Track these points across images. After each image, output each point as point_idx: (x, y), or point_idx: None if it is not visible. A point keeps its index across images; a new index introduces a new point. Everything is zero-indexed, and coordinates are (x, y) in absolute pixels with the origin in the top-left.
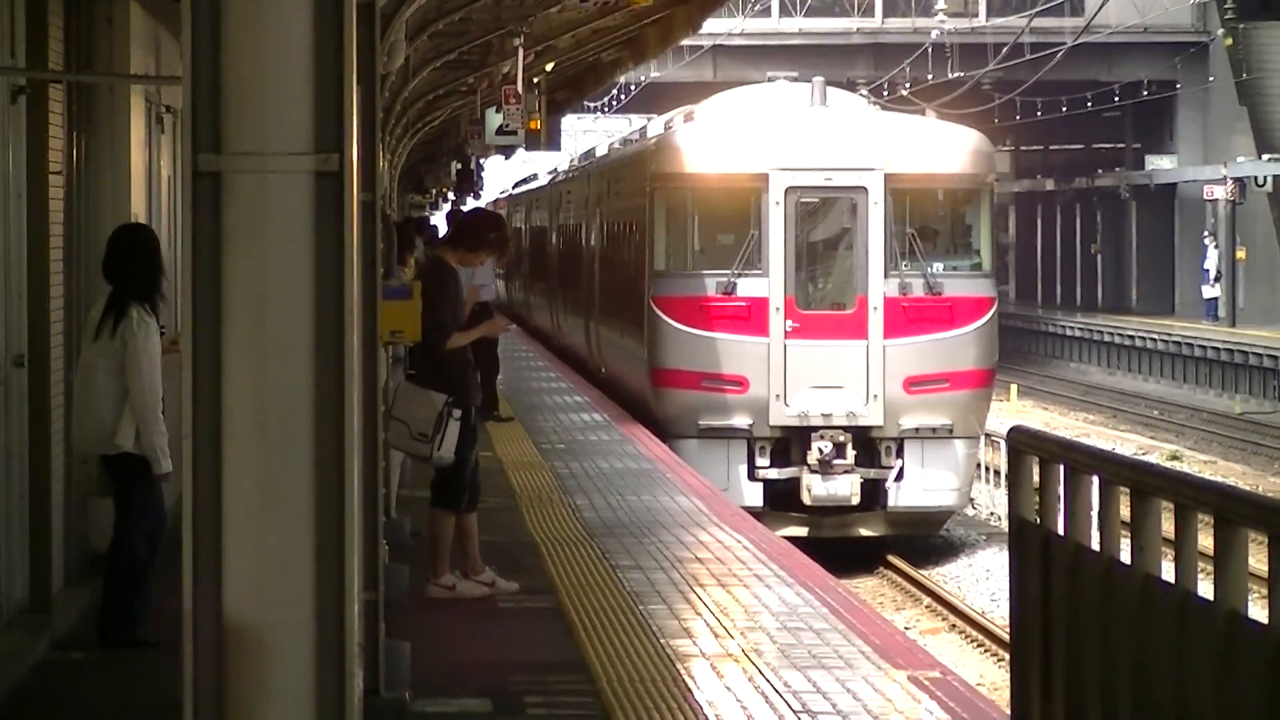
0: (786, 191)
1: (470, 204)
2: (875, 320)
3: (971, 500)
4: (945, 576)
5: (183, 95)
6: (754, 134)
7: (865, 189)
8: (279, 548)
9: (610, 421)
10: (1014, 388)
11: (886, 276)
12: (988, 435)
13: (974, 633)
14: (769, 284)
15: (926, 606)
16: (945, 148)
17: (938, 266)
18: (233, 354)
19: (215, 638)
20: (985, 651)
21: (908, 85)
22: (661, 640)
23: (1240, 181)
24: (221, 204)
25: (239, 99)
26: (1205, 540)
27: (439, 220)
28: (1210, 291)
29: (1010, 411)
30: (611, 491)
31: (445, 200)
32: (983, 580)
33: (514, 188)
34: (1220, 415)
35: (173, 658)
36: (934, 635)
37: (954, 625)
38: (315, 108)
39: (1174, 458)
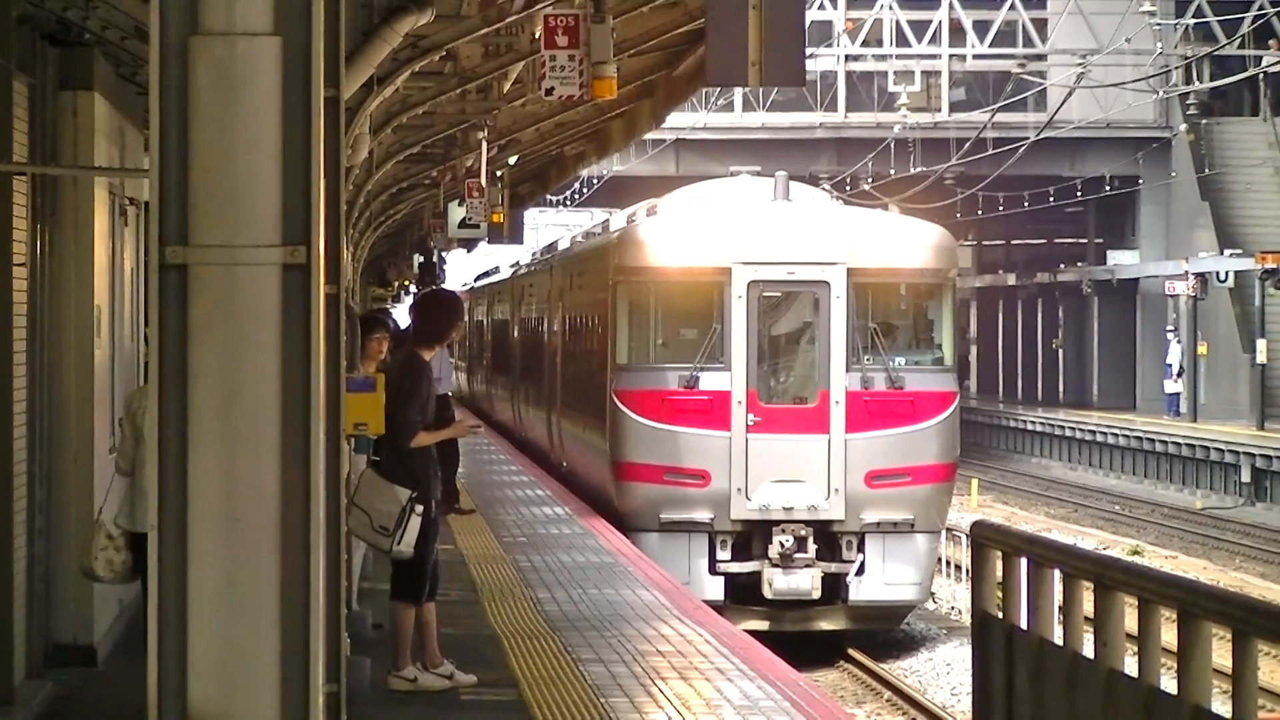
0: (749, 285)
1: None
2: (837, 414)
3: (932, 594)
4: (906, 670)
5: (149, 187)
6: (717, 228)
7: (828, 283)
8: (244, 639)
9: (572, 515)
10: (974, 482)
11: (849, 370)
12: (948, 530)
13: None
14: (731, 378)
15: (887, 700)
16: (907, 242)
17: (900, 361)
18: (199, 445)
19: None
20: None
21: (870, 180)
22: None
23: (1202, 276)
24: (188, 296)
25: (206, 191)
26: (1168, 635)
27: (401, 314)
28: (1172, 387)
29: (971, 506)
30: (573, 584)
31: (407, 293)
32: (943, 674)
33: (476, 280)
34: (1181, 510)
35: None
36: None
37: (914, 719)
38: (283, 200)
39: (1135, 553)
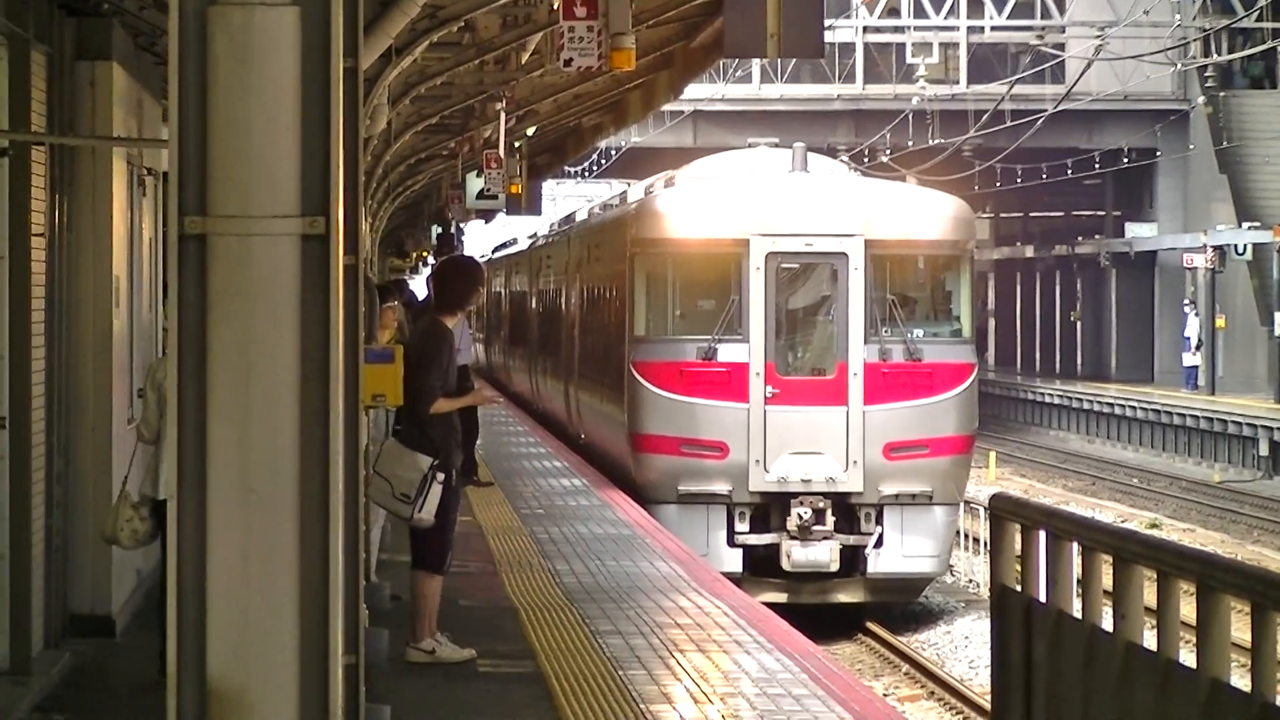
0: (767, 257)
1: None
2: (855, 386)
3: (950, 567)
4: (924, 643)
5: (169, 158)
6: (735, 199)
7: (846, 255)
8: (263, 610)
9: (589, 487)
10: (993, 455)
11: (866, 342)
12: (966, 502)
13: (953, 700)
14: (749, 349)
15: (905, 673)
16: (926, 214)
17: (918, 332)
18: (217, 416)
19: (199, 699)
20: (964, 719)
21: (888, 151)
22: (641, 705)
23: (1220, 249)
24: (207, 266)
25: (225, 161)
26: (1187, 609)
27: (418, 286)
28: (1190, 359)
29: (989, 479)
30: (591, 556)
31: (425, 264)
32: (961, 647)
33: (494, 252)
34: (1199, 484)
35: (158, 717)
36: (913, 702)
37: (932, 692)
38: (301, 171)
39: (1153, 526)
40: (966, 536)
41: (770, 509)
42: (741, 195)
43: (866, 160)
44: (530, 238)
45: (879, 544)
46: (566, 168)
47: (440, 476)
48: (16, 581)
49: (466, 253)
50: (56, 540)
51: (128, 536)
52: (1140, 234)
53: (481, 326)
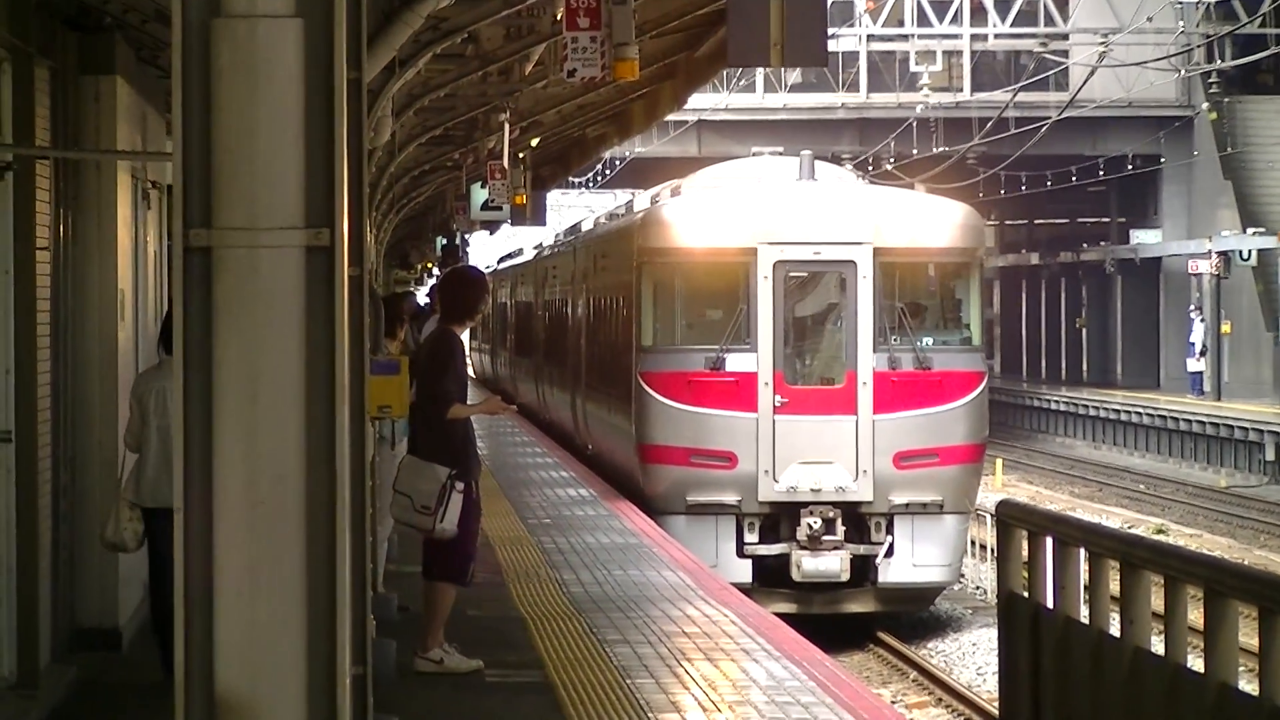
0: (775, 265)
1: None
2: (865, 395)
3: (960, 575)
4: (931, 651)
5: (173, 170)
6: (742, 208)
7: (854, 263)
8: (270, 622)
9: (596, 497)
10: (999, 462)
11: (876, 351)
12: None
13: (961, 707)
14: (757, 359)
15: (913, 680)
16: (935, 221)
17: (927, 341)
18: (224, 428)
19: (207, 711)
20: None
21: (892, 160)
22: (650, 715)
23: (1225, 255)
24: (213, 279)
25: (229, 174)
26: (1194, 614)
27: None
28: (1196, 365)
29: (996, 486)
30: (598, 566)
31: (430, 275)
32: (969, 654)
33: (499, 263)
34: (1205, 489)
35: None
36: (921, 709)
37: (940, 699)
38: (307, 183)
39: (1160, 531)
40: (973, 543)
41: (780, 519)
42: (749, 203)
43: (871, 169)
44: (536, 248)
45: (889, 554)
46: (571, 178)
47: (459, 486)
48: (24, 595)
49: (472, 264)
50: (63, 554)
51: (132, 538)
52: (1145, 240)
53: (488, 337)
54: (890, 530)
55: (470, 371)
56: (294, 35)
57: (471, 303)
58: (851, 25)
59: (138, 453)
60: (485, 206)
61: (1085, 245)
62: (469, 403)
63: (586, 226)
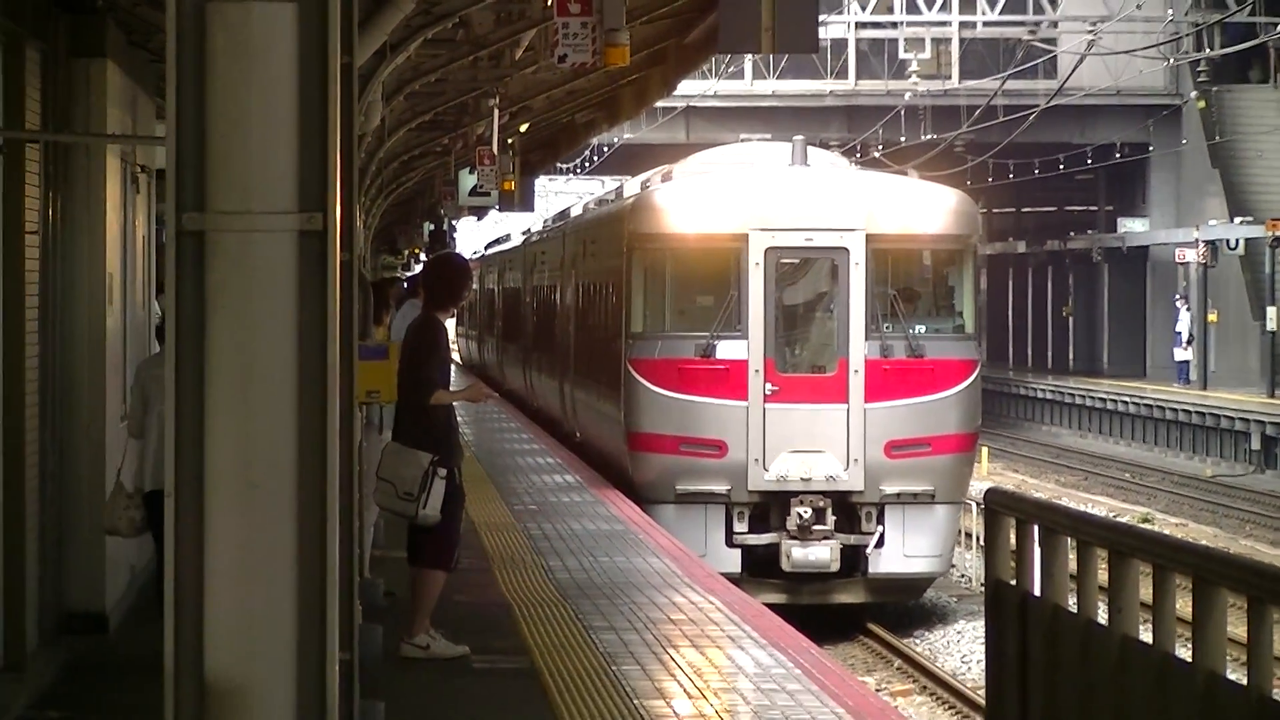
0: (766, 252)
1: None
2: (856, 383)
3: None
4: (916, 639)
5: (166, 154)
6: (733, 193)
7: (846, 249)
8: (261, 606)
9: (583, 484)
10: (985, 450)
11: (867, 339)
12: None
13: (945, 694)
14: (748, 346)
15: (897, 668)
16: (928, 208)
17: (920, 329)
18: (216, 412)
19: (197, 695)
20: (956, 714)
21: (880, 147)
22: (636, 701)
23: (1212, 244)
24: (205, 263)
25: (222, 157)
26: (1182, 603)
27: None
28: (1182, 354)
29: (982, 474)
30: (584, 552)
31: (417, 261)
32: (954, 642)
33: (486, 248)
34: (1191, 478)
35: (155, 715)
36: (905, 697)
37: (924, 687)
38: (300, 167)
39: (1145, 520)
40: (959, 531)
41: (769, 508)
42: (740, 189)
43: (859, 156)
44: (524, 234)
45: (880, 544)
46: (559, 164)
47: (441, 472)
48: (11, 579)
49: (457, 250)
50: (51, 538)
51: (126, 525)
52: (1133, 229)
53: (475, 323)
54: (881, 520)
55: (457, 357)
56: (288, 19)
57: (455, 289)
58: (841, 12)
59: (139, 438)
60: (474, 192)
61: (1073, 234)
62: (452, 389)
63: (576, 212)
